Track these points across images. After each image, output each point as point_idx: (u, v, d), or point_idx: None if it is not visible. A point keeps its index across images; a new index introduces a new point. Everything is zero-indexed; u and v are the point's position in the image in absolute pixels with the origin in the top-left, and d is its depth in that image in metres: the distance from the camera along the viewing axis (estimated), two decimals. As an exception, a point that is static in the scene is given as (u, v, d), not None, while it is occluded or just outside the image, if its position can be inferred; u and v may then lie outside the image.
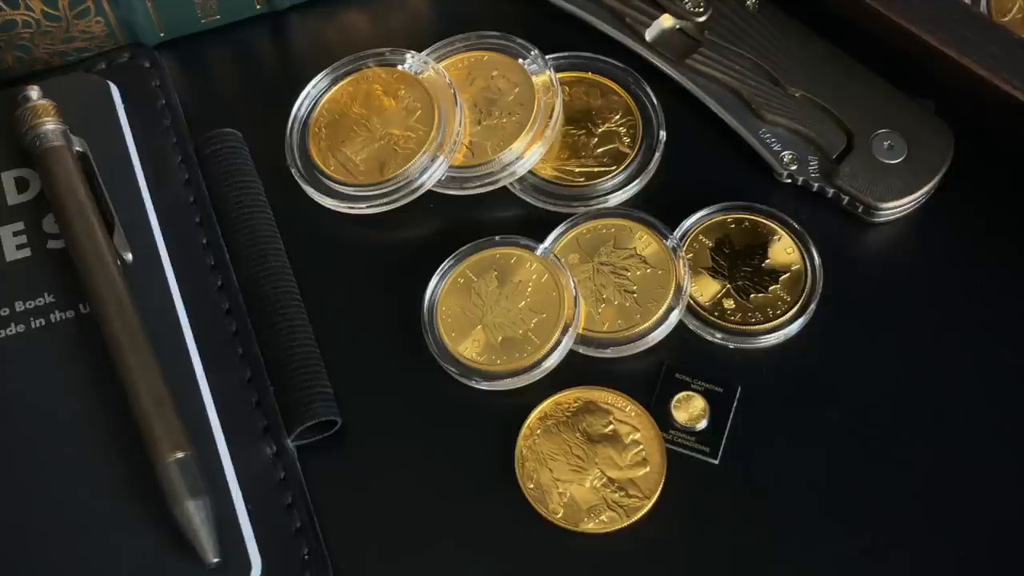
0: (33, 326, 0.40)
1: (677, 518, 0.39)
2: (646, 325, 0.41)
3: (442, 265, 0.43)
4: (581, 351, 0.41)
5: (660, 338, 0.41)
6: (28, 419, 0.38)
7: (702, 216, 0.44)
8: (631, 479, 0.39)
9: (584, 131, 0.46)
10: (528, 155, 0.44)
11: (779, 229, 0.43)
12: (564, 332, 0.41)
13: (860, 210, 0.43)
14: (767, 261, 0.43)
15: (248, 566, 0.37)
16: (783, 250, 0.43)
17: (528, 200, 0.44)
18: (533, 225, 0.44)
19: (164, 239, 0.42)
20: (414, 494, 0.40)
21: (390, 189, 0.44)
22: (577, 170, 0.45)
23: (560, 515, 0.39)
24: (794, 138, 0.44)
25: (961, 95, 0.43)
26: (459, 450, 0.40)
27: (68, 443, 0.38)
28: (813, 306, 0.42)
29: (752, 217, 0.44)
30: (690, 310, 0.42)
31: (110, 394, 0.38)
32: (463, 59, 0.47)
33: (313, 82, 0.46)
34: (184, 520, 0.36)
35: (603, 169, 0.45)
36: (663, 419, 0.40)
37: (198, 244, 0.43)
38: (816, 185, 0.44)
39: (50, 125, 0.42)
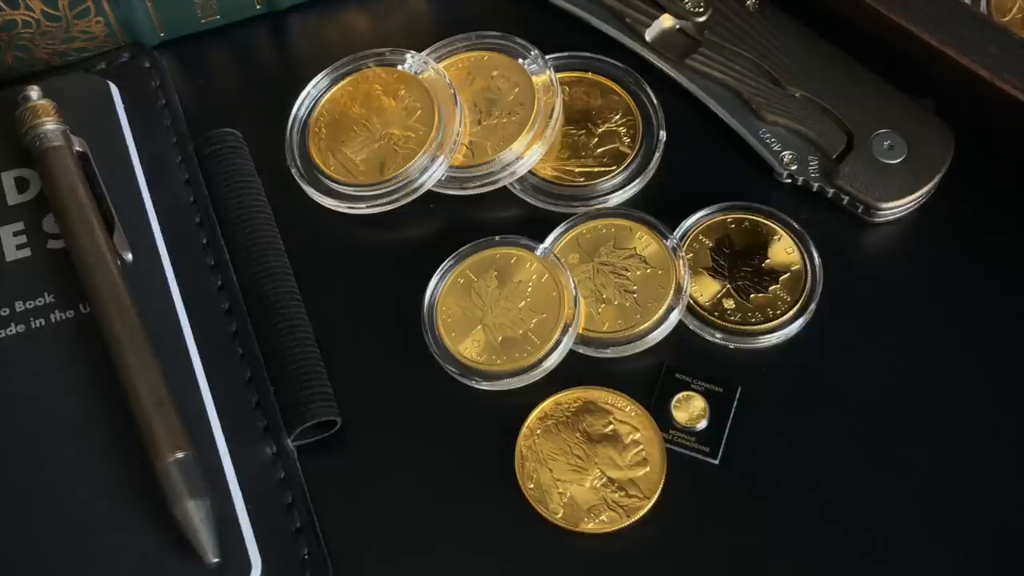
0: (33, 326, 0.40)
1: (677, 518, 0.39)
2: (646, 325, 0.41)
3: (442, 265, 0.43)
4: (581, 351, 0.41)
5: (660, 338, 0.41)
6: (28, 419, 0.38)
7: (702, 216, 0.44)
8: (631, 479, 0.39)
9: (584, 131, 0.46)
10: (528, 155, 0.44)
11: (779, 229, 0.43)
12: (564, 332, 0.41)
13: (860, 210, 0.43)
14: (767, 261, 0.43)
15: (248, 566, 0.37)
16: (783, 250, 0.43)
17: (528, 200, 0.44)
18: (533, 225, 0.44)
19: (164, 239, 0.42)
20: (414, 494, 0.40)
21: (390, 189, 0.44)
22: (577, 170, 0.45)
23: (560, 515, 0.39)
24: (794, 138, 0.44)
25: (961, 95, 0.43)
26: (459, 450, 0.40)
27: (68, 443, 0.38)
28: (813, 306, 0.42)
29: (752, 217, 0.44)
30: (690, 310, 0.42)
31: (110, 394, 0.38)
32: (463, 59, 0.47)
33: (313, 82, 0.46)
34: (184, 520, 0.36)
35: (603, 169, 0.45)
36: (663, 419, 0.40)
37: (198, 244, 0.43)
38: (816, 185, 0.44)
39: (50, 125, 0.42)
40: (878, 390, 0.41)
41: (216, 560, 0.36)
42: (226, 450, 0.39)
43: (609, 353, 0.41)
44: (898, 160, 0.43)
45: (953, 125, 0.44)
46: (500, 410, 0.41)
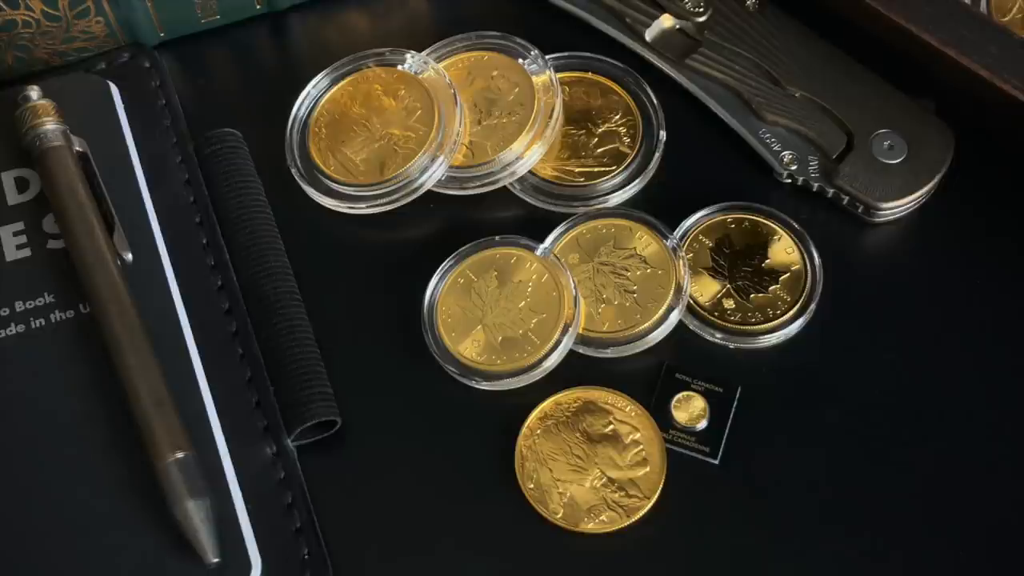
0: (33, 326, 0.40)
1: (677, 518, 0.39)
2: (646, 325, 0.41)
3: (442, 265, 0.43)
4: (581, 351, 0.41)
5: (660, 338, 0.41)
6: (28, 419, 0.38)
7: (702, 216, 0.44)
8: (631, 479, 0.39)
9: (584, 131, 0.46)
10: (528, 155, 0.44)
11: (779, 229, 0.43)
12: (564, 332, 0.41)
13: (860, 210, 0.43)
14: (767, 261, 0.43)
15: (248, 566, 0.37)
16: (783, 250, 0.43)
17: (528, 200, 0.44)
18: (533, 225, 0.44)
19: (164, 239, 0.42)
20: (414, 494, 0.40)
21: (390, 189, 0.44)
22: (577, 170, 0.45)
23: (560, 515, 0.39)
24: (794, 138, 0.44)
25: (961, 95, 0.43)
26: (459, 450, 0.40)
27: (68, 443, 0.38)
28: (813, 306, 0.42)
29: (752, 217, 0.44)
30: (690, 310, 0.42)
31: (110, 394, 0.38)
32: (463, 59, 0.47)
33: (313, 82, 0.46)
34: (184, 520, 0.36)
35: (603, 169, 0.45)
36: (663, 419, 0.40)
37: (198, 244, 0.43)
38: (816, 185, 0.44)
39: (50, 125, 0.42)
40: (878, 390, 0.41)
41: (216, 560, 0.36)
42: (226, 450, 0.39)
43: (609, 353, 0.41)
44: (898, 160, 0.43)
45: (953, 125, 0.44)
46: (500, 410, 0.41)
